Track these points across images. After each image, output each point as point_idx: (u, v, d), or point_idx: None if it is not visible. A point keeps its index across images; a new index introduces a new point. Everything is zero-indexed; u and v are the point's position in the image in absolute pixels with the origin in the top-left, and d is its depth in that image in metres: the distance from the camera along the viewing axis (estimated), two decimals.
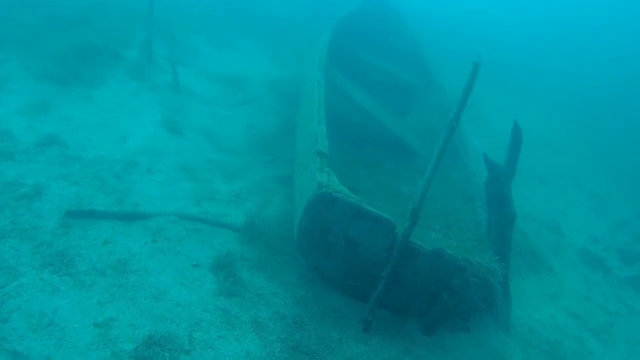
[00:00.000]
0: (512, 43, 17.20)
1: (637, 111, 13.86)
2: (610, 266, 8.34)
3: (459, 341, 5.23)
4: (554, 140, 12.52)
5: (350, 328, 4.89)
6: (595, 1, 21.45)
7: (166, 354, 3.98)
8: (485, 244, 5.63)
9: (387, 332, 4.99)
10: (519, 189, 8.28)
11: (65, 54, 7.58)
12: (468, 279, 4.74)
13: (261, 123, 8.45)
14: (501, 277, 5.00)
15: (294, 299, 5.02)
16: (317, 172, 4.63)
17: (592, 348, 6.32)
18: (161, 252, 5.05)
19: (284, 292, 5.07)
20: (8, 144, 5.70)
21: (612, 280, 8.08)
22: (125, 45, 8.71)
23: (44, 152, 5.79)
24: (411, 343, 4.98)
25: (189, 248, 5.21)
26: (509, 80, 14.86)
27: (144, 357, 3.88)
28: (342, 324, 4.91)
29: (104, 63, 7.88)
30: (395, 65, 10.71)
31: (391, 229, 4.50)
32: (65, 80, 7.11)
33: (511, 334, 5.77)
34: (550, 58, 16.90)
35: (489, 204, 5.76)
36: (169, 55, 8.23)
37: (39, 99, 6.60)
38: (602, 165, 11.96)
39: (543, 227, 8.80)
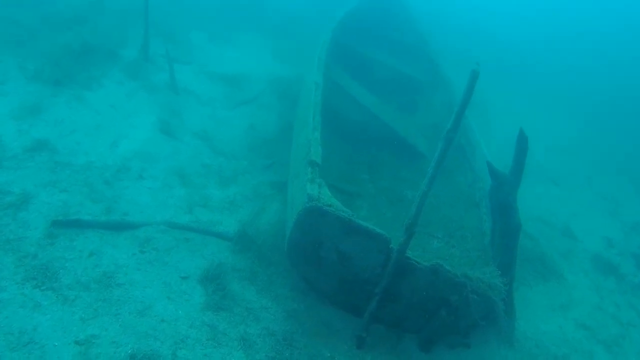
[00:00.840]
0: (527, 44, 16.74)
1: None
2: (624, 272, 7.98)
3: (458, 358, 4.99)
4: (567, 141, 12.07)
5: (343, 344, 4.68)
6: (611, 4, 20.78)
7: None
8: (489, 256, 5.36)
9: (382, 349, 4.77)
10: (531, 190, 7.98)
11: (60, 54, 7.42)
12: (468, 296, 4.49)
13: (262, 124, 8.19)
14: (504, 292, 4.73)
15: (285, 313, 4.82)
16: (307, 183, 4.40)
17: None
18: (149, 263, 4.87)
19: (275, 305, 4.87)
20: None
21: (625, 287, 7.73)
22: (122, 43, 8.51)
23: (33, 157, 5.63)
24: None
25: (177, 259, 5.03)
26: (522, 80, 14.43)
27: None
28: (335, 340, 4.70)
29: (100, 63, 7.69)
30: (402, 61, 10.35)
31: (385, 244, 4.26)
32: (59, 81, 6.94)
33: (515, 349, 5.50)
34: (565, 59, 16.41)
35: (493, 214, 5.48)
36: (165, 54, 7.99)
37: (31, 101, 6.43)
38: (617, 167, 11.50)
39: (555, 230, 8.45)
